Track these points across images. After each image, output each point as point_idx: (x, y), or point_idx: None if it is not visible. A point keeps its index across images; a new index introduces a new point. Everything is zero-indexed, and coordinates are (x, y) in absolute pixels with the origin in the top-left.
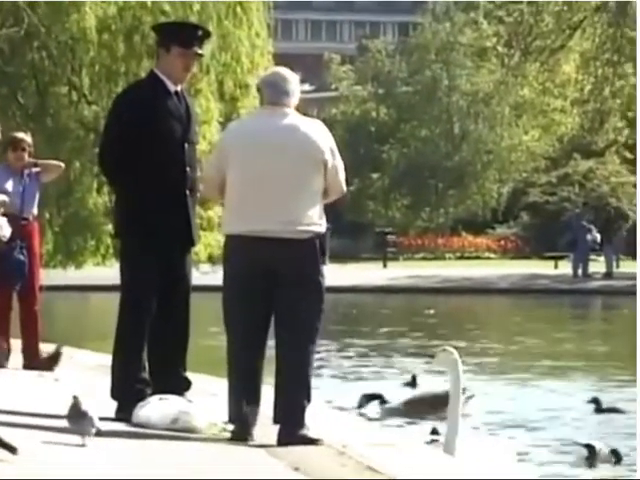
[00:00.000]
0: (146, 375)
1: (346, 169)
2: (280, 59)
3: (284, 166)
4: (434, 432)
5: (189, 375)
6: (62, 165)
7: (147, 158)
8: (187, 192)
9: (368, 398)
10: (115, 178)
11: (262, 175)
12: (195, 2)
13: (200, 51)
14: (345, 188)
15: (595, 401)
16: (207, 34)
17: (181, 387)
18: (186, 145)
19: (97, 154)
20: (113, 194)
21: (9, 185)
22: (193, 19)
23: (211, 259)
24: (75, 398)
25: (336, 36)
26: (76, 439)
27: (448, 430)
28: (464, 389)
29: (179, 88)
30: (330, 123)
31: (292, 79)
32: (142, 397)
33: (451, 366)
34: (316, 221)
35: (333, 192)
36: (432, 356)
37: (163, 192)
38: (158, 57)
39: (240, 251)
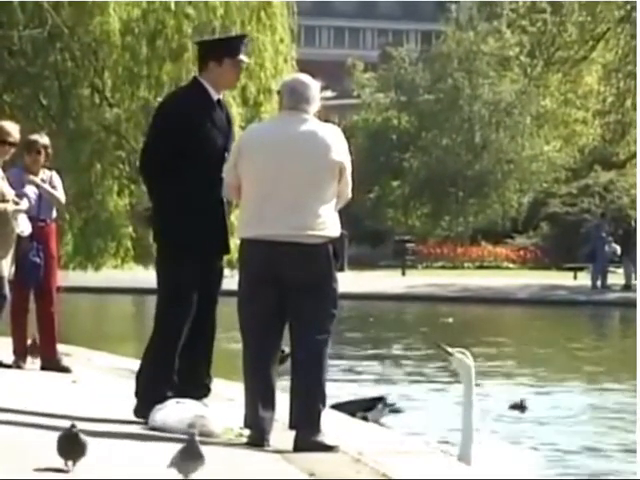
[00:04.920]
0: (174, 380)
1: (366, 176)
2: (303, 65)
3: (299, 171)
4: (365, 418)
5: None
6: (62, 202)
7: (189, 166)
8: (225, 200)
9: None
10: (156, 185)
11: (277, 179)
12: (219, 7)
13: (246, 59)
14: (350, 195)
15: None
16: (248, 39)
17: (201, 393)
18: (226, 154)
19: (140, 159)
20: (134, 197)
21: (26, 188)
22: (217, 24)
23: (230, 263)
24: (192, 437)
25: (359, 43)
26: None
27: (463, 438)
28: (383, 398)
29: (220, 96)
30: (351, 130)
31: (313, 86)
32: (163, 401)
33: (465, 372)
34: (330, 226)
35: (342, 199)
36: (450, 354)
37: (204, 200)
38: (204, 68)
39: (254, 255)
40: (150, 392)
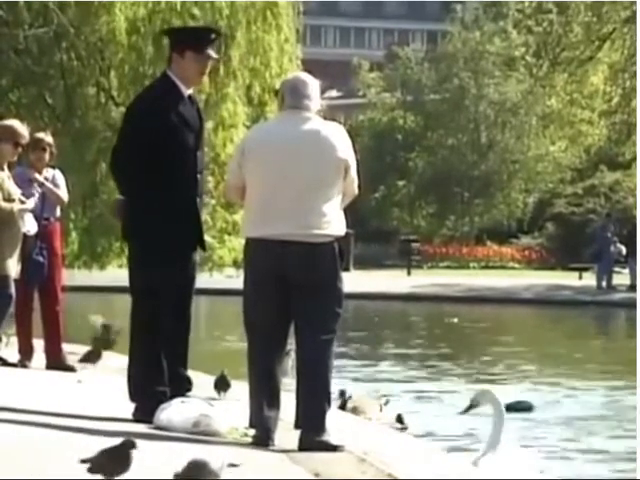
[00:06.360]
0: (166, 377)
1: (372, 176)
2: (308, 65)
3: (304, 169)
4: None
5: (209, 378)
6: (65, 201)
7: (161, 164)
8: (198, 198)
9: None
10: (128, 183)
11: (281, 178)
12: (225, 7)
13: (214, 54)
14: (357, 191)
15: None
16: (219, 35)
17: (184, 389)
18: (199, 152)
19: (111, 158)
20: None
21: (30, 186)
22: (222, 24)
23: (236, 263)
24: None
25: (364, 43)
26: None
27: (486, 447)
28: (385, 395)
29: (191, 91)
30: (357, 130)
31: (312, 84)
32: (162, 399)
33: (492, 401)
34: (335, 225)
35: (348, 195)
36: (468, 408)
37: (176, 197)
38: (171, 61)
39: (259, 255)
40: (143, 394)
